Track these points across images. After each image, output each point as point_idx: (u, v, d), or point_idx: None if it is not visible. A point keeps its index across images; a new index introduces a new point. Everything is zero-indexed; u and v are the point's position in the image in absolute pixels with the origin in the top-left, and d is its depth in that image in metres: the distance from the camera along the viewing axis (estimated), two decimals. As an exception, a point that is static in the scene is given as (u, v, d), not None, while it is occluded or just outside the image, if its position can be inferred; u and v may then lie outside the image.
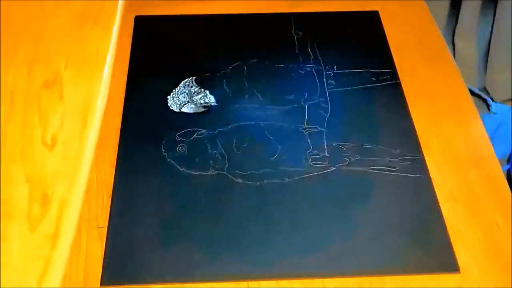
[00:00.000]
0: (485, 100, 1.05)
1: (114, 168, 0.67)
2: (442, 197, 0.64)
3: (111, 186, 0.65)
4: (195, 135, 0.70)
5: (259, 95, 0.75)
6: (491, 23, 1.00)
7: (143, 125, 0.71)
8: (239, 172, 0.66)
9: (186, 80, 0.76)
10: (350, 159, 0.68)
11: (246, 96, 0.75)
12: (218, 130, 0.71)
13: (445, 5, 1.05)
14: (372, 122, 0.72)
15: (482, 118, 0.74)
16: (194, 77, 0.76)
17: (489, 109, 1.03)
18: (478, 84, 1.06)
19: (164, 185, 0.65)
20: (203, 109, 0.73)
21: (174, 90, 0.75)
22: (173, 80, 0.76)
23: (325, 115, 0.72)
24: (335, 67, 0.78)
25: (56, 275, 0.38)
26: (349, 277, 0.58)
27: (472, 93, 0.98)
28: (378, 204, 0.64)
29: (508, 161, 0.93)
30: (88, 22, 0.55)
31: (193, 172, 0.66)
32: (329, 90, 0.75)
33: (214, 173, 0.66)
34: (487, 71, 1.05)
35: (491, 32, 1.01)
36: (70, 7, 0.56)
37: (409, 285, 0.58)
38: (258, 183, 0.65)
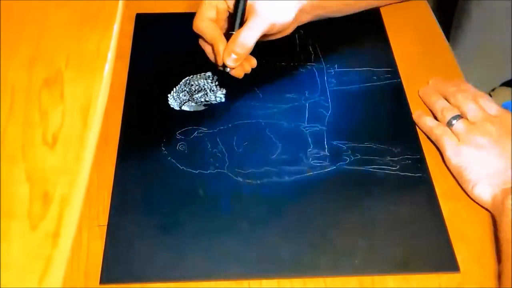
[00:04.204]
0: None
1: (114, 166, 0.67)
2: (442, 196, 0.64)
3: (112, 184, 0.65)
4: (195, 134, 0.70)
5: (259, 93, 0.75)
6: None
7: (143, 123, 0.71)
8: (239, 170, 0.66)
9: (187, 78, 0.76)
10: (350, 158, 0.68)
11: (247, 95, 0.75)
12: (218, 128, 0.71)
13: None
14: (373, 120, 0.72)
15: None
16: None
17: None
18: None
19: (164, 183, 0.65)
20: (203, 107, 0.73)
21: (174, 88, 0.74)
22: (173, 78, 0.76)
23: (326, 113, 0.72)
24: (336, 65, 0.78)
25: (57, 274, 0.39)
26: (350, 276, 0.58)
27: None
28: (379, 203, 0.64)
29: None
30: (88, 20, 0.55)
31: (193, 171, 0.66)
32: (330, 88, 0.75)
33: (214, 171, 0.66)
34: None
35: None
36: (71, 5, 0.56)
37: (410, 284, 0.58)
38: (259, 182, 0.65)
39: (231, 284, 0.58)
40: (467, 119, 0.68)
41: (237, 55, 0.69)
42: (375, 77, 0.76)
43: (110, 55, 0.52)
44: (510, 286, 0.54)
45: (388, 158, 0.68)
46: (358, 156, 0.68)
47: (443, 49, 0.82)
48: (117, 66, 0.75)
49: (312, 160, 0.67)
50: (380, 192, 0.65)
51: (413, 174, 0.66)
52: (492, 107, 0.68)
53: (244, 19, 0.71)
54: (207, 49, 0.73)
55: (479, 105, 0.68)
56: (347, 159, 0.68)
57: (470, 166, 0.64)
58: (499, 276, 0.57)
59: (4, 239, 0.40)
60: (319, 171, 0.66)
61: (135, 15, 0.85)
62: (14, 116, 0.47)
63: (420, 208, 0.63)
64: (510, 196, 0.58)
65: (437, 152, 0.68)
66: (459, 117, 0.68)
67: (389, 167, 0.67)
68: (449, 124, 0.68)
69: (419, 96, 0.75)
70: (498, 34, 1.02)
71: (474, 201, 0.63)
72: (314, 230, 0.61)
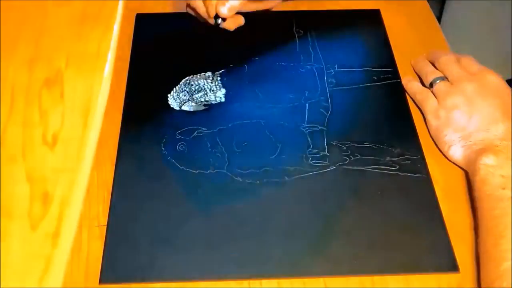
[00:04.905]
0: None
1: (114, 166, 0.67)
2: (442, 196, 0.64)
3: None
4: (195, 133, 0.70)
5: (259, 93, 0.75)
6: None
7: (143, 123, 0.71)
8: (239, 170, 0.66)
9: (187, 78, 0.76)
10: (350, 158, 0.68)
11: (247, 95, 0.75)
12: (218, 128, 0.71)
13: None
14: (373, 121, 0.72)
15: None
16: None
17: None
18: None
19: (163, 183, 0.65)
20: (203, 107, 0.73)
21: (174, 88, 0.74)
22: (173, 78, 0.76)
23: (326, 113, 0.72)
24: (336, 65, 0.78)
25: (57, 274, 0.39)
26: (350, 276, 0.58)
27: None
28: (378, 203, 0.64)
29: None
30: (89, 20, 0.55)
31: (193, 171, 0.66)
32: (329, 88, 0.75)
33: (214, 171, 0.66)
34: None
35: None
36: (71, 5, 0.56)
37: (410, 285, 0.58)
38: (258, 182, 0.65)
39: (231, 284, 0.58)
40: (449, 81, 0.70)
41: (230, 4, 0.70)
42: (375, 77, 0.76)
43: (110, 55, 0.52)
44: (486, 240, 0.56)
45: (388, 158, 0.68)
46: (358, 156, 0.68)
47: (443, 49, 0.81)
48: (117, 66, 0.75)
49: (312, 160, 0.67)
50: (379, 192, 0.65)
51: (413, 174, 0.66)
52: (473, 65, 0.70)
53: None
54: (197, 5, 0.74)
55: (460, 65, 0.70)
56: (347, 159, 0.68)
57: (446, 128, 0.66)
58: (475, 231, 0.60)
59: (4, 239, 0.40)
60: (319, 171, 0.66)
61: (135, 15, 0.85)
62: (14, 116, 0.47)
63: (420, 209, 0.63)
64: (481, 157, 0.61)
65: (437, 152, 0.68)
66: (441, 78, 0.70)
67: (389, 167, 0.67)
68: (431, 86, 0.70)
69: (411, 65, 0.78)
70: (498, 34, 1.03)
71: (450, 160, 0.67)
72: (314, 230, 0.61)
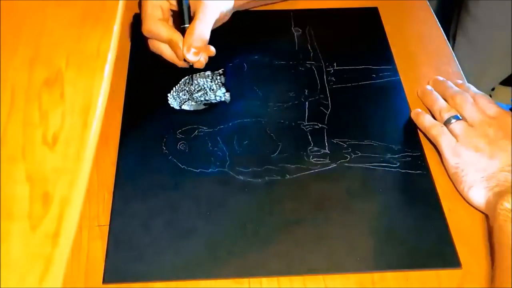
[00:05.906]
0: None
1: (115, 166, 0.67)
2: (442, 196, 0.64)
3: (112, 184, 0.65)
4: (196, 133, 0.70)
5: (259, 92, 0.75)
6: None
7: (143, 123, 0.71)
8: (240, 169, 0.66)
9: (186, 77, 0.76)
10: (350, 156, 0.68)
11: (247, 93, 0.75)
12: (219, 127, 0.71)
13: None
14: (373, 118, 0.72)
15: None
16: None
17: None
18: None
19: (165, 182, 0.65)
20: (203, 107, 0.73)
21: (174, 87, 0.75)
22: (173, 77, 0.76)
23: (326, 111, 0.72)
24: (335, 63, 0.78)
25: (57, 274, 0.39)
26: (350, 273, 0.58)
27: None
28: (379, 201, 0.64)
29: None
30: (89, 20, 0.55)
31: (194, 170, 0.66)
32: (329, 87, 0.75)
33: (215, 170, 0.66)
34: None
35: None
36: (71, 5, 0.56)
37: (411, 282, 0.58)
38: (259, 180, 0.65)
39: (231, 283, 0.58)
40: (465, 120, 0.67)
41: (196, 49, 0.69)
42: (374, 75, 0.76)
43: (110, 55, 0.52)
44: None
45: (389, 155, 0.68)
46: (358, 153, 0.68)
47: (443, 47, 0.82)
48: (117, 66, 0.75)
49: (312, 158, 0.67)
50: (381, 189, 0.65)
51: (413, 171, 0.66)
52: (490, 108, 0.68)
53: (191, 12, 0.71)
54: (163, 49, 0.73)
55: (477, 107, 0.68)
56: (348, 157, 0.68)
57: (467, 168, 0.63)
58: (491, 279, 0.57)
59: (4, 239, 0.40)
60: (320, 169, 0.66)
61: (133, 15, 0.85)
62: (14, 116, 0.47)
63: (421, 205, 0.63)
64: (502, 201, 0.58)
65: (437, 150, 0.68)
66: (457, 117, 0.67)
67: (389, 165, 0.67)
68: (447, 123, 0.67)
69: (418, 96, 0.74)
70: (498, 33, 1.03)
71: (467, 202, 0.63)
72: (316, 228, 0.61)
